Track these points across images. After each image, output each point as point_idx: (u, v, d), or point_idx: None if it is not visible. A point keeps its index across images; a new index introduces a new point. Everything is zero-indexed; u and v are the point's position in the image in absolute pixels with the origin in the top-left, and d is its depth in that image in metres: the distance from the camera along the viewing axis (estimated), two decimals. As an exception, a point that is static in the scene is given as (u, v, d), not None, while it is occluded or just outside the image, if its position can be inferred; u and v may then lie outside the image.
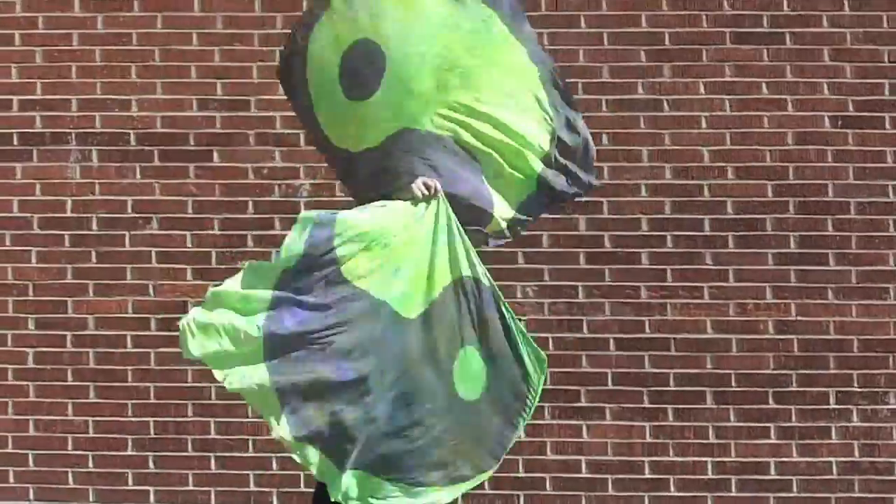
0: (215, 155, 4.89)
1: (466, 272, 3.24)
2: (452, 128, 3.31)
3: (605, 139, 4.83)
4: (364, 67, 3.30)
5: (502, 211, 3.40)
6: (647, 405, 4.78)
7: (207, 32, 4.92)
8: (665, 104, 4.87)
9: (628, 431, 4.78)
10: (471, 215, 3.33)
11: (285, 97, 3.65)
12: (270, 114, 4.88)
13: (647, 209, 4.86)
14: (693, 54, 4.89)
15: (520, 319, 4.42)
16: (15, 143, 4.96)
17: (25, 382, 4.89)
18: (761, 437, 4.75)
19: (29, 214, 4.95)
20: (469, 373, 3.23)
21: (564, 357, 4.78)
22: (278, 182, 4.87)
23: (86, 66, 4.94)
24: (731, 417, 4.78)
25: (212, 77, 4.93)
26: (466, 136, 3.31)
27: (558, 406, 4.78)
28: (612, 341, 4.81)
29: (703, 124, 4.86)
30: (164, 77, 4.93)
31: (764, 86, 4.85)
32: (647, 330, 4.81)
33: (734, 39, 4.88)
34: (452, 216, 3.25)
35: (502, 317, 3.28)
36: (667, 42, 4.89)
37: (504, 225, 3.42)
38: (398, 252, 3.17)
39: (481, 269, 3.27)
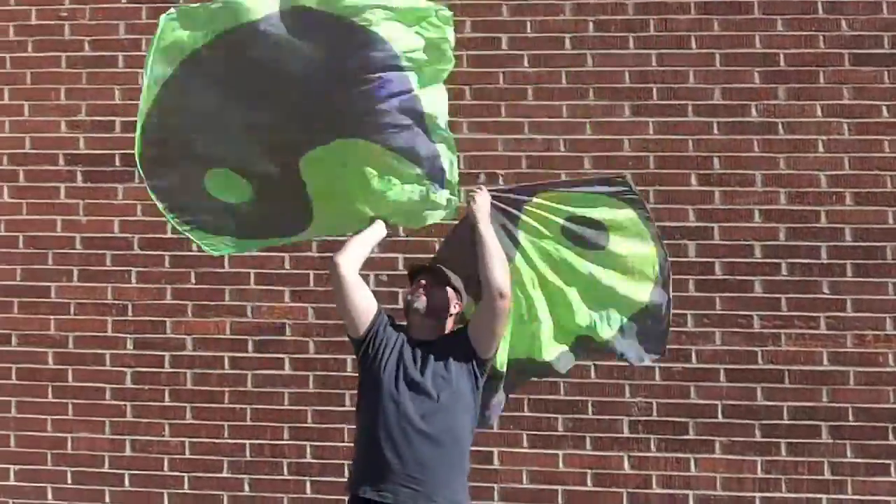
0: None
1: None
2: None
3: (716, 163, 5.19)
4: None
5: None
6: (759, 439, 5.06)
7: None
8: (780, 127, 5.20)
9: (739, 466, 5.07)
10: None
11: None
12: None
13: (760, 235, 5.16)
14: (810, 76, 5.21)
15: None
16: (117, 163, 5.50)
17: (123, 402, 5.40)
18: (880, 474, 5.00)
19: (129, 235, 5.47)
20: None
21: (673, 388, 5.11)
22: None
23: None
24: (848, 453, 5.03)
25: None
26: None
27: (665, 438, 5.10)
28: (722, 372, 5.11)
29: (821, 148, 5.18)
30: None
31: (884, 109, 5.16)
32: (760, 361, 5.10)
33: (853, 61, 5.19)
34: None
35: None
36: (782, 63, 5.23)
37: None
38: None
39: None
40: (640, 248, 3.92)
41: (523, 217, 3.92)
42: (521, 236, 3.92)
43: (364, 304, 3.78)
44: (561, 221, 3.92)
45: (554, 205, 3.92)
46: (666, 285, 3.94)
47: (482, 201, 3.84)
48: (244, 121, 3.73)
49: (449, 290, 3.81)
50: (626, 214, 3.92)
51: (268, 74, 3.65)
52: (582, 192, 3.95)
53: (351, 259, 3.77)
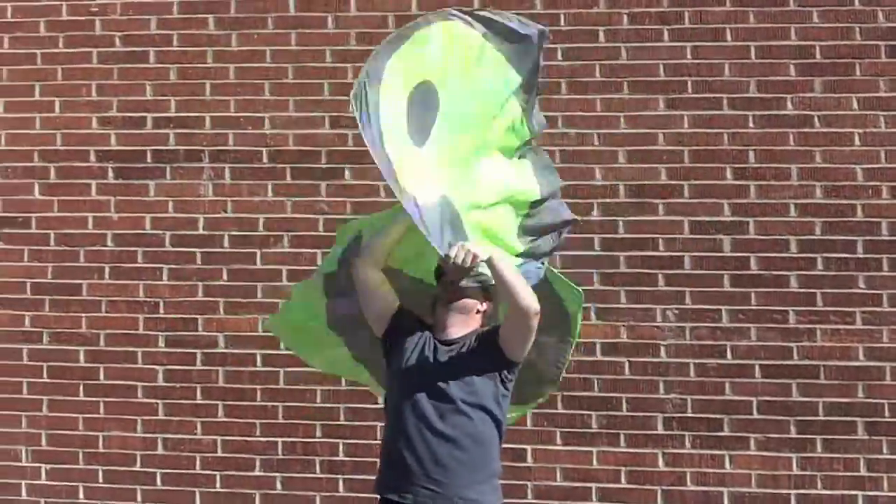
0: (347, 173, 5.58)
1: None
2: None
3: (751, 156, 5.39)
4: (422, 114, 3.85)
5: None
6: (794, 435, 5.26)
7: (341, 49, 5.64)
8: (816, 120, 5.39)
9: (774, 463, 5.27)
10: None
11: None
12: None
13: (796, 230, 5.36)
14: (846, 68, 5.39)
15: (659, 344, 5.10)
16: (148, 160, 5.74)
17: (155, 400, 5.63)
18: None
19: (161, 231, 5.71)
20: None
21: (707, 384, 5.30)
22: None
23: (219, 84, 5.72)
24: (885, 449, 5.22)
25: (345, 94, 5.35)
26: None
27: (700, 435, 5.30)
28: (757, 368, 5.31)
29: (857, 141, 5.36)
30: (297, 94, 5.66)
31: None
32: (796, 357, 5.30)
33: (889, 53, 5.38)
34: None
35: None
36: (818, 56, 5.41)
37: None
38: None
39: None
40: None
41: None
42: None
43: (380, 304, 3.95)
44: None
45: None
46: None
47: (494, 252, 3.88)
48: None
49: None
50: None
51: None
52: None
53: (368, 258, 3.94)
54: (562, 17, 5.59)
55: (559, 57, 5.55)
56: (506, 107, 4.03)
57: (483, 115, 3.98)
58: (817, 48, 5.44)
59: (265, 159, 5.69)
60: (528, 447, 5.40)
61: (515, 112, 4.07)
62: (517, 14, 4.12)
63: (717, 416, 5.32)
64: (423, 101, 3.83)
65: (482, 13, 4.01)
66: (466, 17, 3.93)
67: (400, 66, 3.75)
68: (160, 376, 5.67)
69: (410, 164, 3.71)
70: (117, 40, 5.85)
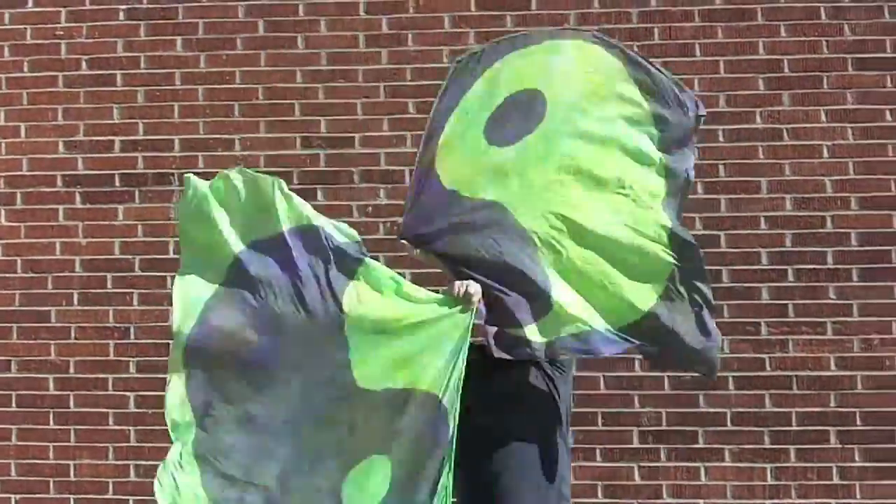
0: (319, 193, 6.11)
1: (437, 391, 3.87)
2: (550, 243, 4.05)
3: (722, 170, 6.04)
4: (516, 117, 4.11)
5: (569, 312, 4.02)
6: (767, 446, 5.88)
7: (312, 69, 6.26)
8: (785, 133, 6.06)
9: (748, 474, 5.88)
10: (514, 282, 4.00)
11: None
12: (375, 150, 6.17)
13: (766, 242, 6.01)
14: (813, 82, 6.08)
15: (634, 358, 5.72)
16: (117, 183, 6.26)
17: (127, 427, 6.09)
18: (888, 478, 5.80)
19: (131, 256, 6.22)
20: (364, 483, 3.92)
21: (681, 397, 5.91)
22: (383, 220, 6.08)
23: (188, 106, 6.29)
24: (857, 458, 5.85)
25: (316, 114, 6.23)
26: (560, 261, 4.04)
27: (675, 448, 5.90)
28: (731, 380, 5.91)
29: (825, 153, 6.03)
30: (267, 115, 6.24)
31: (888, 113, 6.02)
32: (768, 367, 5.92)
33: (856, 66, 6.06)
34: (468, 339, 3.91)
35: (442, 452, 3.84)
36: (786, 69, 6.09)
37: (543, 339, 4.02)
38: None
39: (452, 401, 3.84)
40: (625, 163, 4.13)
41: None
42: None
43: None
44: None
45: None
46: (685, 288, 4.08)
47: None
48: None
49: None
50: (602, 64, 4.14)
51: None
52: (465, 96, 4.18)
53: None
54: (532, 34, 6.31)
55: (530, 74, 6.27)
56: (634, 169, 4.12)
57: (595, 155, 4.12)
58: (785, 62, 6.13)
59: (236, 181, 6.34)
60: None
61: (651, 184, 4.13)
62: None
63: (692, 428, 5.92)
64: (527, 107, 4.11)
65: (631, 53, 4.19)
66: (613, 44, 4.18)
67: (517, 64, 4.13)
68: (132, 402, 6.13)
69: (458, 151, 4.13)
70: (84, 63, 6.38)
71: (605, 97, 4.15)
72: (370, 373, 3.98)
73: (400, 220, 5.88)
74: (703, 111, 4.19)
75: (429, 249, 4.19)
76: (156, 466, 5.90)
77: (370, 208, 6.22)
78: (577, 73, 4.15)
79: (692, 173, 4.18)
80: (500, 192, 4.11)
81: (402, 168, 6.20)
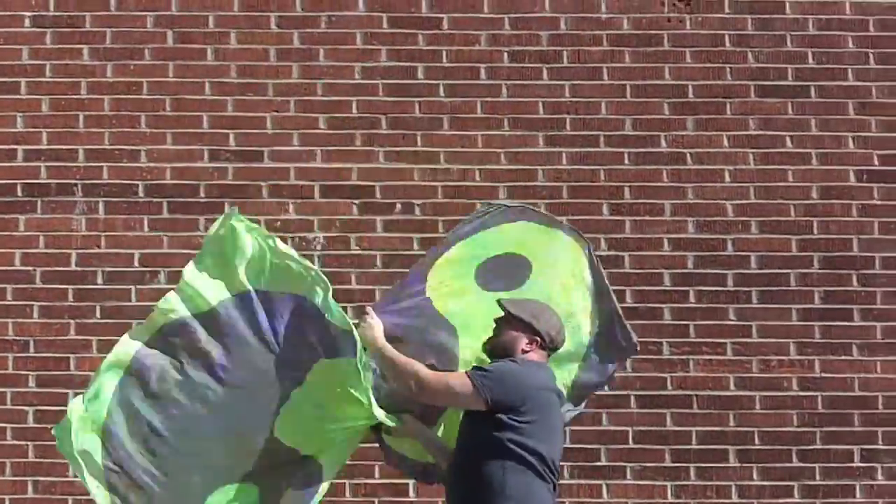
0: (227, 207, 5.99)
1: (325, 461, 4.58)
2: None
3: (627, 192, 6.21)
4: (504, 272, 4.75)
5: None
6: (668, 464, 6.05)
7: (220, 82, 6.28)
8: (688, 157, 6.25)
9: (650, 491, 6.04)
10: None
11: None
12: (284, 165, 6.22)
13: (669, 264, 6.19)
14: (717, 107, 6.29)
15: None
16: (19, 193, 6.21)
17: (25, 442, 6.05)
18: (785, 495, 6.02)
19: (31, 268, 6.17)
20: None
21: (584, 415, 5.76)
22: (291, 234, 6.11)
23: (94, 116, 6.27)
24: (755, 476, 6.05)
25: (224, 127, 6.25)
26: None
27: (578, 465, 6.02)
28: (633, 398, 6.09)
29: (727, 178, 6.24)
30: (174, 127, 6.25)
31: (788, 139, 6.25)
32: (670, 387, 6.10)
33: (758, 93, 6.29)
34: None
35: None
36: (690, 95, 6.29)
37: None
38: None
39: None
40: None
41: (433, 302, 4.68)
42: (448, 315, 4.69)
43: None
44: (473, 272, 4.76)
45: (456, 266, 4.78)
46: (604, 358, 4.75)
47: (368, 331, 4.48)
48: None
49: (513, 326, 4.47)
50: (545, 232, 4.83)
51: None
52: (480, 233, 4.82)
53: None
54: (444, 53, 6.35)
55: (441, 93, 6.31)
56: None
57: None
58: (690, 87, 6.33)
59: (141, 193, 6.23)
60: (410, 482, 6.03)
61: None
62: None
63: (594, 446, 6.07)
64: (515, 268, 4.76)
65: (604, 283, 4.81)
66: (597, 268, 4.80)
67: (525, 233, 4.82)
68: (30, 417, 6.09)
69: (451, 275, 4.74)
70: (-13, 70, 6.26)
71: (572, 293, 4.81)
72: (290, 430, 4.50)
73: (309, 235, 6.17)
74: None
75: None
76: (55, 483, 6.11)
77: (279, 223, 6.24)
78: (563, 269, 4.79)
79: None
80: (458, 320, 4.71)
81: (311, 183, 6.27)
